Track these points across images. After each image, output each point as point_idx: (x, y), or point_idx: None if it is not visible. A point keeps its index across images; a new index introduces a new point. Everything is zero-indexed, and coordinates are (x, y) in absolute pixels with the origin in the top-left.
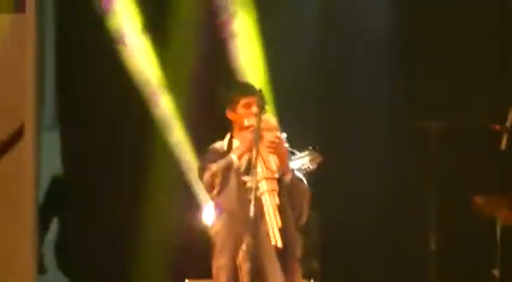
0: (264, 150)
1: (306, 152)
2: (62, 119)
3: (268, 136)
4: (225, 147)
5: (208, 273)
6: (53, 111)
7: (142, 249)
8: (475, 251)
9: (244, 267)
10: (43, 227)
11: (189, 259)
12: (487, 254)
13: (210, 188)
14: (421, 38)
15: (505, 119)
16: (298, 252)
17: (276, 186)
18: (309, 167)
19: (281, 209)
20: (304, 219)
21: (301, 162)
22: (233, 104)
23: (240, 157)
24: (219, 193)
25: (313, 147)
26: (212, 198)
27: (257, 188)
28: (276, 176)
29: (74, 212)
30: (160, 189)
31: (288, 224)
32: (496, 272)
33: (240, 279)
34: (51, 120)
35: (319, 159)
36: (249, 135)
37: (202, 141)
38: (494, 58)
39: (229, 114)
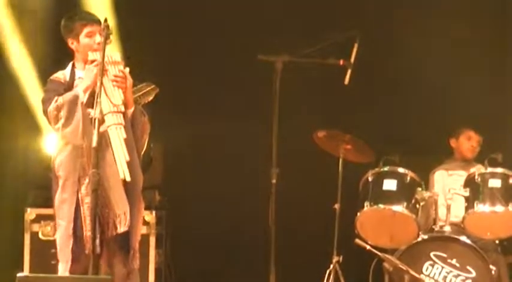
0: (108, 84)
1: (143, 84)
2: None
3: (112, 70)
4: (68, 78)
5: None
6: None
7: None
8: (316, 186)
9: (87, 202)
10: None
11: (32, 188)
12: (330, 189)
13: (55, 120)
14: None
15: (349, 55)
16: (141, 184)
17: (121, 120)
18: (147, 99)
19: (127, 143)
20: (143, 150)
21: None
22: (75, 34)
23: (85, 91)
24: (64, 126)
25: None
26: (57, 130)
27: (103, 122)
28: (122, 109)
29: None
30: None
31: (133, 157)
32: (337, 207)
33: (82, 213)
34: None
35: (155, 91)
36: (93, 69)
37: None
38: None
39: (72, 44)
